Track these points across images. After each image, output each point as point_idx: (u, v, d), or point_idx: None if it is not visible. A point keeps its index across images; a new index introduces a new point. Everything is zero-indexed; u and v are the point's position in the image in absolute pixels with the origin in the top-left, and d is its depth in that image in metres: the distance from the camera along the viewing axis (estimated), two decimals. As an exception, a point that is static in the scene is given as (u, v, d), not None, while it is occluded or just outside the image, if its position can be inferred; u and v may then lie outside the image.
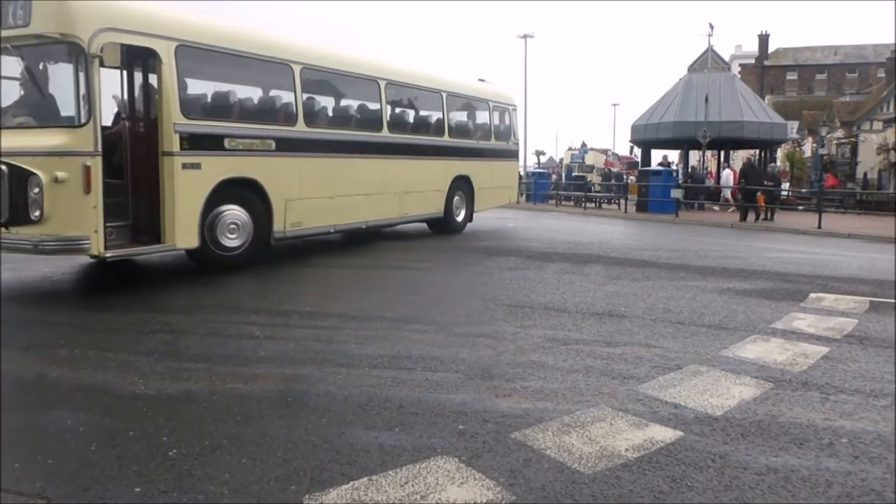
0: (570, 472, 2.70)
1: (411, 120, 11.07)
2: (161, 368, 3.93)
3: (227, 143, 7.12)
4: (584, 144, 63.62)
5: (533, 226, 15.34)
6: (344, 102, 9.79)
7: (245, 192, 7.37)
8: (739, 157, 32.72)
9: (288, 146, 7.93)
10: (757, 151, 28.71)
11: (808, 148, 37.66)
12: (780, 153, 33.42)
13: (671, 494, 2.54)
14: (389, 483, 2.55)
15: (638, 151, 33.65)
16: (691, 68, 27.47)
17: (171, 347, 4.42)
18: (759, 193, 18.22)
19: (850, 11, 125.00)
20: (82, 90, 5.81)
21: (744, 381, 3.89)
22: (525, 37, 41.99)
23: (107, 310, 5.59)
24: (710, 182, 24.78)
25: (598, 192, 26.01)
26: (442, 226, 11.82)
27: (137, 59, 6.92)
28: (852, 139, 34.21)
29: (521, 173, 32.96)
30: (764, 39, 57.51)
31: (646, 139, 26.97)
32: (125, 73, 7.18)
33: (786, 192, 23.56)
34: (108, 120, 6.73)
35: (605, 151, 62.50)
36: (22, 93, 6.27)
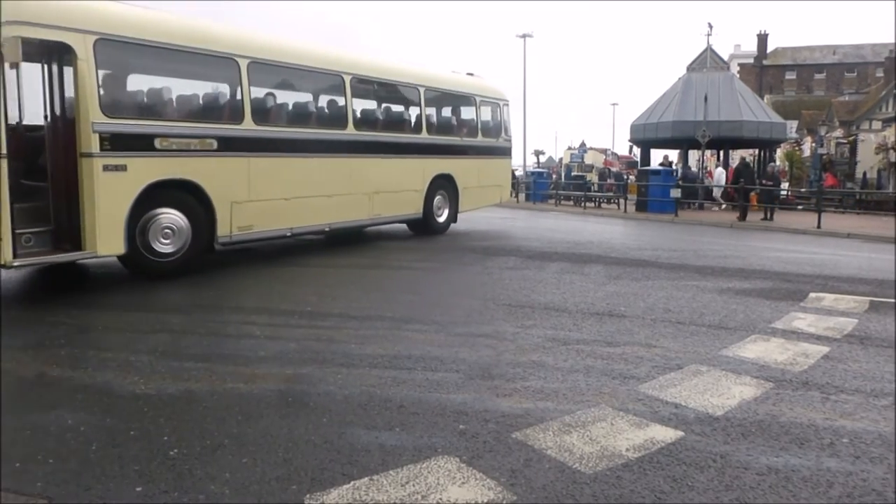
0: (571, 471, 2.70)
1: (382, 116, 10.40)
2: (161, 368, 3.93)
3: (158, 143, 6.70)
4: (583, 144, 63.86)
5: (532, 225, 15.33)
6: (302, 98, 9.18)
7: (182, 195, 6.96)
8: (739, 156, 32.72)
9: (233, 145, 7.48)
10: (755, 151, 28.72)
11: (807, 147, 37.63)
12: (779, 153, 33.41)
13: (672, 494, 2.54)
14: (390, 483, 2.55)
15: (637, 151, 33.66)
16: (690, 68, 27.45)
17: (172, 347, 4.41)
18: (751, 193, 18.30)
19: (848, 11, 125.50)
20: None
21: (744, 381, 3.89)
22: (524, 36, 42.12)
23: (107, 310, 5.59)
24: (710, 181, 24.77)
25: (597, 191, 26.01)
26: (422, 227, 11.25)
27: (55, 54, 6.43)
28: (851, 139, 34.21)
29: (521, 173, 33.07)
30: (763, 39, 57.53)
31: (645, 139, 26.96)
32: (45, 69, 6.72)
33: (785, 192, 23.53)
34: (39, 119, 6.51)
35: (604, 151, 62.70)
36: None
